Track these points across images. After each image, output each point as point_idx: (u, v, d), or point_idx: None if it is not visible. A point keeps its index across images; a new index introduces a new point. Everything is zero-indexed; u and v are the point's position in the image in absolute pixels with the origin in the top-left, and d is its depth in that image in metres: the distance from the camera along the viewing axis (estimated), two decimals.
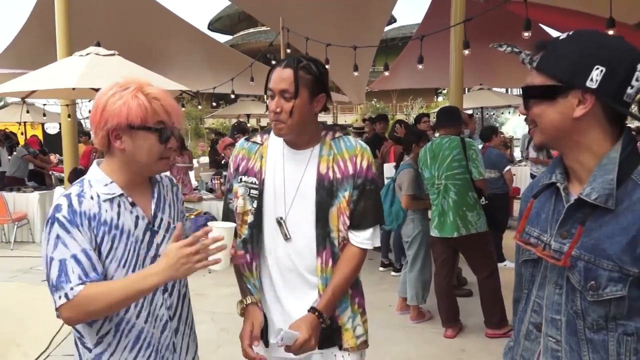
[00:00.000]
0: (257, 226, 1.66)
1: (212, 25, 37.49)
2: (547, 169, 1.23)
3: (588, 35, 1.08)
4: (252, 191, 1.67)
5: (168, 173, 1.73)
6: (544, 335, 1.17)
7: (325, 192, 1.62)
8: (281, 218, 1.64)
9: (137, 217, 1.42)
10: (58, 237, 1.31)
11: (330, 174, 1.63)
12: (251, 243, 1.68)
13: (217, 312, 4.26)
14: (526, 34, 4.33)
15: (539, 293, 1.20)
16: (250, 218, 1.67)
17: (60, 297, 1.28)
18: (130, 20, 8.64)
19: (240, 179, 1.69)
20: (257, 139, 1.74)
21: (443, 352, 3.45)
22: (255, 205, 1.65)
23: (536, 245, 1.19)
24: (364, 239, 1.67)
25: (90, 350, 1.40)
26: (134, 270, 1.39)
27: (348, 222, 1.65)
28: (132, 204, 1.42)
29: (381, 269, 5.60)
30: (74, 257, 1.30)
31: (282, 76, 1.56)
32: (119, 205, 1.39)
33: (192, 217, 5.74)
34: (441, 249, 3.89)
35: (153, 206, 1.48)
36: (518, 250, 1.29)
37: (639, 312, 1.05)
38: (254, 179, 1.67)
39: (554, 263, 1.12)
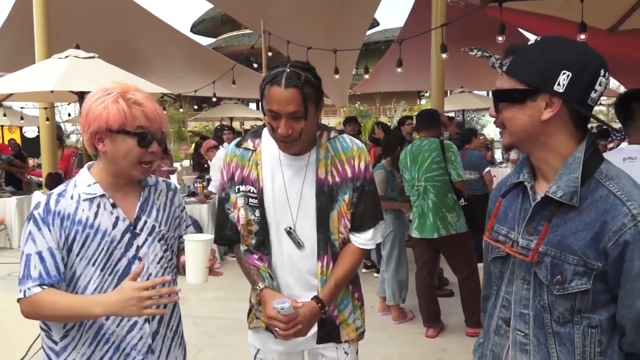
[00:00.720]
0: (263, 234, 1.66)
1: (195, 28, 37.28)
2: (515, 169, 1.28)
3: (555, 41, 1.12)
4: (250, 200, 1.65)
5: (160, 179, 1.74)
6: (512, 329, 1.21)
7: (326, 198, 1.62)
8: (290, 228, 1.63)
9: (117, 218, 1.46)
10: (30, 233, 1.39)
11: (330, 178, 1.63)
12: (259, 249, 1.68)
13: (199, 316, 4.24)
14: (500, 37, 4.42)
15: (508, 289, 1.23)
16: (255, 227, 1.66)
17: (20, 291, 1.37)
18: (110, 23, 8.55)
19: (238, 189, 1.66)
20: (249, 144, 1.69)
21: (425, 352, 3.49)
22: (257, 214, 1.64)
23: (504, 243, 1.23)
24: (366, 240, 1.69)
25: (56, 344, 1.45)
26: (103, 269, 1.44)
27: (349, 225, 1.66)
28: (113, 205, 1.46)
29: (364, 270, 5.64)
30: (39, 254, 1.38)
31: (288, 98, 1.47)
32: (98, 206, 1.45)
33: None
34: (422, 250, 3.94)
35: (137, 209, 1.51)
36: (487, 248, 1.33)
37: (602, 305, 1.10)
38: (251, 188, 1.65)
39: (522, 259, 1.16)
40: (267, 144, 1.66)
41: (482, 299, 1.50)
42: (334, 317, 1.69)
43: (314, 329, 1.67)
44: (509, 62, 1.14)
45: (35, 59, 6.31)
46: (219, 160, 6.07)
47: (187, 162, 13.82)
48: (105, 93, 1.42)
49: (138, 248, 1.49)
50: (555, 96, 1.09)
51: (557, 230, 1.12)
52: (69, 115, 14.05)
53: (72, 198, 1.43)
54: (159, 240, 1.54)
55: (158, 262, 1.54)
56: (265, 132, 1.69)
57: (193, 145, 13.41)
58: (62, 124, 16.08)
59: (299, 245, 1.64)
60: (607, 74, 1.10)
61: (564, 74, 1.07)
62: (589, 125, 1.23)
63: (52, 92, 5.45)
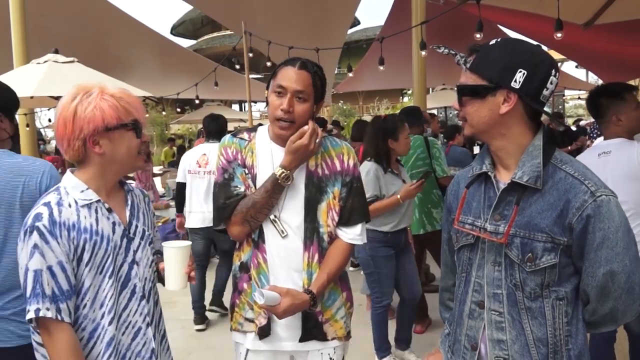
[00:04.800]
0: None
1: (175, 30, 36.97)
2: (476, 161, 1.37)
3: (514, 43, 1.24)
4: (250, 183, 1.69)
5: (134, 183, 1.76)
6: (487, 310, 1.29)
7: (315, 188, 1.67)
8: (275, 216, 1.66)
9: (114, 224, 1.44)
10: (35, 246, 1.30)
11: (319, 170, 1.68)
12: (257, 239, 1.70)
13: (186, 320, 4.22)
14: (478, 35, 4.49)
15: (479, 273, 1.32)
16: None
17: (29, 311, 1.30)
18: (89, 26, 8.45)
19: (245, 171, 1.70)
20: (244, 135, 1.75)
21: (413, 347, 3.52)
22: None
23: (472, 231, 1.32)
24: (355, 235, 1.73)
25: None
26: (111, 276, 1.40)
27: (337, 218, 1.70)
28: (109, 210, 1.44)
29: (351, 268, 5.66)
30: (50, 269, 1.31)
31: (300, 77, 1.59)
32: (96, 211, 1.41)
33: (160, 224, 5.66)
34: None
35: (128, 213, 1.50)
36: (449, 239, 1.43)
37: (567, 278, 1.22)
38: (249, 174, 1.70)
39: (497, 241, 1.25)
40: (262, 138, 1.73)
41: (440, 291, 1.59)
42: (316, 314, 1.70)
43: (299, 326, 1.68)
44: (472, 60, 1.25)
45: (13, 64, 6.21)
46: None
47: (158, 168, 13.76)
48: (85, 94, 1.37)
49: (134, 253, 1.48)
50: (512, 92, 1.20)
51: (524, 213, 1.23)
52: (50, 120, 13.86)
53: (70, 206, 1.38)
54: (149, 244, 1.55)
55: (150, 266, 1.54)
56: (260, 128, 1.76)
57: (167, 148, 13.38)
58: (42, 130, 15.83)
59: (282, 233, 1.66)
60: (557, 74, 1.22)
61: (520, 72, 1.19)
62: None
63: (31, 97, 5.36)
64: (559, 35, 4.47)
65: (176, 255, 1.51)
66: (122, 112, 1.38)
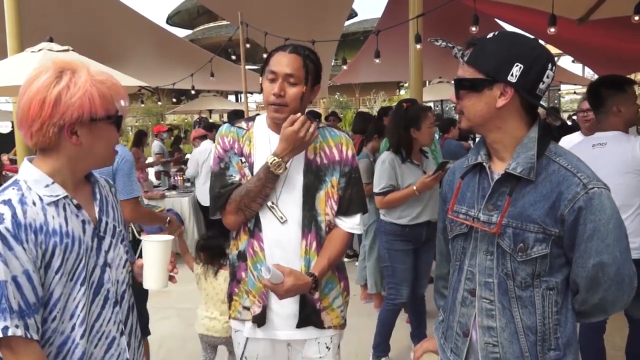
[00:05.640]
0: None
1: (171, 20, 36.69)
2: (471, 152, 1.39)
3: (511, 37, 1.25)
4: (246, 173, 1.69)
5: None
6: (478, 298, 1.32)
7: (313, 176, 1.68)
8: (272, 203, 1.67)
9: (83, 222, 1.26)
10: None
11: (318, 159, 1.70)
12: (252, 227, 1.70)
13: (182, 308, 4.25)
14: (474, 28, 4.50)
15: (471, 262, 1.34)
16: None
17: None
18: (84, 15, 8.38)
19: (241, 160, 1.71)
20: (242, 125, 1.76)
21: (406, 337, 3.55)
22: None
23: (466, 220, 1.34)
24: (354, 224, 1.75)
25: None
26: (83, 283, 1.23)
27: (335, 207, 1.71)
28: (78, 207, 1.26)
29: (346, 259, 5.70)
30: (14, 279, 1.11)
31: (290, 61, 1.60)
32: (64, 209, 1.22)
33: None
34: None
35: (97, 209, 1.32)
36: (444, 228, 1.45)
37: (557, 269, 1.24)
38: (246, 162, 1.70)
39: (489, 231, 1.27)
40: (259, 126, 1.74)
41: (435, 279, 1.62)
42: (314, 301, 1.72)
43: (296, 315, 1.70)
44: (470, 53, 1.25)
45: (7, 52, 6.17)
46: (199, 154, 6.03)
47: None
48: (72, 75, 1.19)
49: (106, 253, 1.31)
50: (509, 86, 1.21)
51: (517, 204, 1.24)
52: None
53: (34, 204, 1.17)
54: (122, 242, 1.38)
55: (124, 267, 1.38)
56: (258, 117, 1.78)
57: (172, 138, 13.29)
58: None
59: (281, 219, 1.67)
60: (554, 68, 1.23)
61: (517, 66, 1.20)
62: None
63: None
64: (552, 30, 4.50)
65: (157, 251, 1.38)
66: (109, 102, 1.23)
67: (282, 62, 1.60)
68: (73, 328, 1.22)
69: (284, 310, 1.70)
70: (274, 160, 1.60)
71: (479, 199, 1.33)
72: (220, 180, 1.71)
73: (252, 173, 1.69)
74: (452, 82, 1.30)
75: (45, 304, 1.18)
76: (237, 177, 1.70)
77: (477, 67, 1.23)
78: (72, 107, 1.17)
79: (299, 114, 1.59)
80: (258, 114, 1.84)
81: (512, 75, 1.20)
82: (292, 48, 1.63)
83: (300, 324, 1.72)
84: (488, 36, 1.26)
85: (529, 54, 1.21)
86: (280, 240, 1.69)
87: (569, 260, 1.24)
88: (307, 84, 1.61)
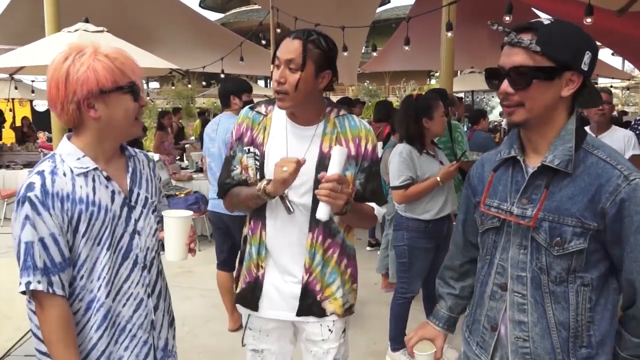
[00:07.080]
0: None
1: (204, 3, 36.90)
2: (504, 145, 1.35)
3: (570, 24, 1.20)
4: (255, 162, 1.68)
5: (157, 156, 1.76)
6: (510, 292, 1.29)
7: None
8: (284, 193, 1.64)
9: (113, 192, 1.37)
10: (27, 217, 1.25)
11: None
12: (258, 214, 1.71)
13: (205, 289, 4.33)
14: (507, 17, 4.39)
15: (502, 256, 1.32)
16: None
17: (20, 284, 1.27)
18: None
19: (248, 149, 1.70)
20: (262, 109, 1.74)
21: (410, 325, 3.55)
22: (258, 177, 1.67)
23: (499, 214, 1.31)
24: (379, 211, 1.75)
25: None
26: (109, 248, 1.35)
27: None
28: (107, 178, 1.37)
29: (368, 248, 5.70)
30: (42, 240, 1.26)
31: (290, 46, 1.55)
32: (93, 180, 1.34)
33: (182, 195, 5.77)
34: None
35: (128, 180, 1.43)
36: (466, 220, 1.46)
37: (594, 265, 1.21)
38: (256, 150, 1.69)
39: (524, 224, 1.24)
40: (279, 112, 1.70)
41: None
42: (315, 292, 1.70)
43: (296, 294, 1.70)
44: (537, 40, 1.16)
45: (45, 32, 6.33)
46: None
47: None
48: (77, 54, 1.28)
49: (136, 222, 1.42)
50: (576, 74, 1.18)
51: (553, 197, 1.21)
52: None
53: (64, 175, 1.30)
54: (153, 212, 1.49)
55: (154, 235, 1.48)
56: None
57: (199, 121, 13.41)
58: None
59: (288, 210, 1.65)
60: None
61: (587, 54, 1.17)
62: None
63: None
64: (588, 20, 4.35)
65: (176, 226, 1.47)
66: (118, 74, 1.29)
67: (283, 48, 1.57)
68: (99, 288, 1.34)
69: (286, 288, 1.70)
70: (263, 194, 1.59)
71: (512, 192, 1.29)
72: (226, 169, 1.74)
73: (261, 164, 1.66)
74: (505, 70, 1.20)
75: (74, 265, 1.32)
76: (238, 170, 1.72)
77: (550, 54, 1.15)
78: (79, 82, 1.26)
79: (296, 158, 1.52)
80: None
81: (584, 63, 1.17)
82: (297, 33, 1.57)
83: (300, 313, 1.71)
84: (545, 22, 1.19)
85: (592, 42, 1.18)
86: (287, 231, 1.68)
87: (611, 256, 1.20)
88: (303, 70, 1.54)
